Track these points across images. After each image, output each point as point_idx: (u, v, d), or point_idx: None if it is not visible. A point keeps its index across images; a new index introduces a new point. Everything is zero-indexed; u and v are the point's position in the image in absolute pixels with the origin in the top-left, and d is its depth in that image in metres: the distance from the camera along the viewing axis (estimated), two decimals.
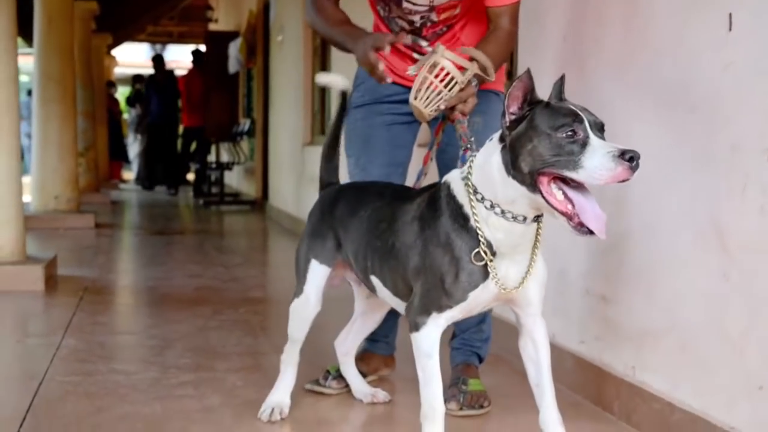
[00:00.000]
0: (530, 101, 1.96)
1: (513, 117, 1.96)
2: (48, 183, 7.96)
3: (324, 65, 7.42)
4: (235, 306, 4.31)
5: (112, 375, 2.96)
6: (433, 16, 2.61)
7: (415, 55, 2.49)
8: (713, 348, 2.22)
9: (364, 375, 2.92)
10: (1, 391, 2.76)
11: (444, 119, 2.50)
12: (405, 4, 2.60)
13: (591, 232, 1.89)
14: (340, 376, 2.86)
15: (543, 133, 1.89)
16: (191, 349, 3.36)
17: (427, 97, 2.34)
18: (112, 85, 15.59)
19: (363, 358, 2.97)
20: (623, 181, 1.83)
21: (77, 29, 9.62)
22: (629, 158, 1.79)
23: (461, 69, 2.33)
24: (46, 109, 7.90)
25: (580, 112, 1.90)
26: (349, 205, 2.45)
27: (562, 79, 2.08)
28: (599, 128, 1.91)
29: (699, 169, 2.27)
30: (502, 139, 2.00)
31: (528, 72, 1.95)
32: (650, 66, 2.49)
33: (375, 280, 2.35)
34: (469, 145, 2.34)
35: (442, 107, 2.37)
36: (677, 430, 2.33)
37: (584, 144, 1.86)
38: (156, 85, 13.23)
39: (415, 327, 2.15)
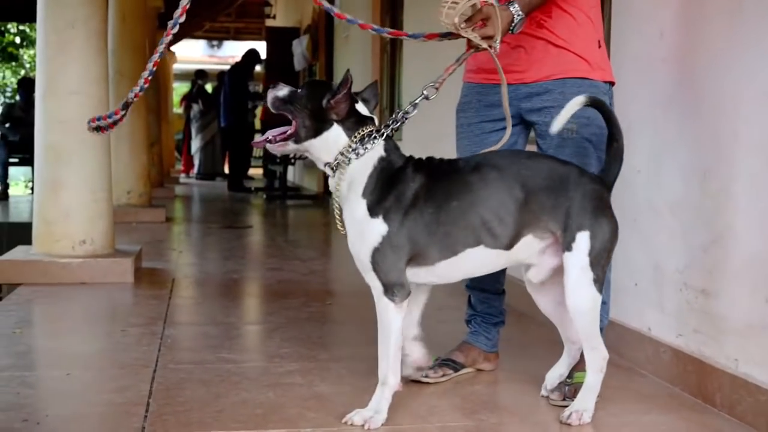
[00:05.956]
0: None
1: None
2: (121, 178, 8.09)
3: (393, 62, 7.50)
4: (321, 298, 4.42)
5: (221, 363, 3.08)
6: None
7: None
8: None
9: (461, 366, 3.01)
10: (121, 378, 2.88)
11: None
12: None
13: None
14: (438, 366, 2.94)
15: None
16: (289, 339, 3.47)
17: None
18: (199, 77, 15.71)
19: (461, 349, 3.05)
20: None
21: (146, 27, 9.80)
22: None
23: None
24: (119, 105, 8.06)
25: None
26: None
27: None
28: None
29: None
30: None
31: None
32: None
33: None
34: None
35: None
36: None
37: None
38: (242, 82, 12.71)
39: None
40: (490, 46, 2.55)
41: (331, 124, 2.48)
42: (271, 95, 2.53)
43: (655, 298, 3.07)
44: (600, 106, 2.59)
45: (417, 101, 2.59)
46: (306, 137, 2.49)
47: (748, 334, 2.58)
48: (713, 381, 2.71)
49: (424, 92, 2.60)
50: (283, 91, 2.53)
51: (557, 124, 2.55)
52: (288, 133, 2.51)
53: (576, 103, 2.54)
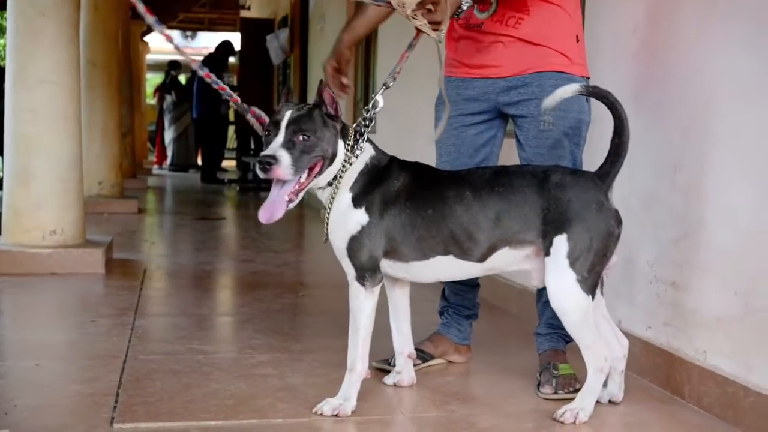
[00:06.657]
0: None
1: None
2: (92, 169, 7.99)
3: (368, 55, 7.49)
4: (294, 290, 4.42)
5: (191, 354, 3.06)
6: None
7: None
8: None
9: (430, 356, 3.02)
10: (90, 368, 2.86)
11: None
12: None
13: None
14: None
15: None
16: (260, 330, 3.46)
17: None
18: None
19: (432, 340, 3.06)
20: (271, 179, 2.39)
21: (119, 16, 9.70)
22: (258, 162, 2.34)
23: None
24: (91, 95, 7.92)
25: (280, 116, 2.39)
26: None
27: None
28: (291, 124, 2.37)
29: None
30: None
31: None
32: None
33: None
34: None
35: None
36: (751, 413, 2.41)
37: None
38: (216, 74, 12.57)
39: None
40: (436, 30, 2.55)
41: (338, 137, 2.48)
42: (281, 172, 2.34)
43: (626, 291, 3.09)
44: (603, 96, 2.50)
45: (379, 93, 2.60)
46: (330, 163, 2.47)
47: (716, 327, 2.61)
48: (682, 373, 2.73)
49: (384, 82, 2.64)
50: (285, 158, 2.34)
51: (549, 102, 2.51)
52: (314, 173, 2.44)
53: (570, 90, 2.50)
